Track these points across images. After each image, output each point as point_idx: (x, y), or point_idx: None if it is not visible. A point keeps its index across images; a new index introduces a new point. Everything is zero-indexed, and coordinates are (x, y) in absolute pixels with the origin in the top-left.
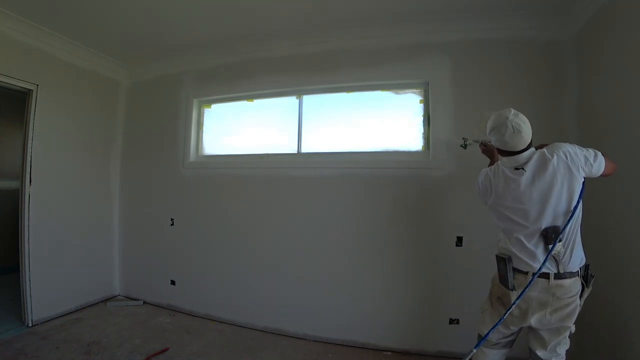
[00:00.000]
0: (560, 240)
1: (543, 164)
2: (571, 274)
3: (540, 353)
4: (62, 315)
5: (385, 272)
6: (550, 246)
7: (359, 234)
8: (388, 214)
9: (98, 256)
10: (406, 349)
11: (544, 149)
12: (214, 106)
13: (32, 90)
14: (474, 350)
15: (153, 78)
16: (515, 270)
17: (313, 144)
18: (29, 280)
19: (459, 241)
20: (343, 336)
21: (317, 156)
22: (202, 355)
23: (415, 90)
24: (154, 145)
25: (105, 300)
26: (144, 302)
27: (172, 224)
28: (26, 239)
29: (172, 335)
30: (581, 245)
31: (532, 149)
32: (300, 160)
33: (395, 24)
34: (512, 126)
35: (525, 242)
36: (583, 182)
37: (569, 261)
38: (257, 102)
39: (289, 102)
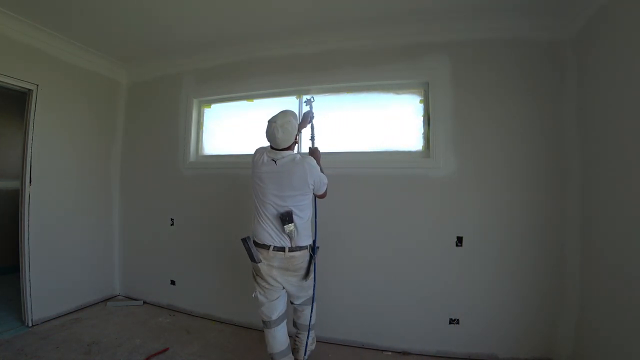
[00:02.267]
0: (292, 222)
1: (291, 164)
2: (300, 248)
3: (295, 303)
4: (62, 315)
5: (385, 272)
6: (285, 226)
7: (358, 233)
8: (388, 214)
9: (98, 256)
10: (406, 349)
11: (299, 155)
12: (214, 106)
13: (32, 90)
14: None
15: (153, 78)
16: (259, 245)
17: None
18: (29, 280)
19: (459, 241)
20: (343, 336)
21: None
22: (202, 355)
23: (415, 91)
24: (154, 145)
25: (105, 300)
26: (144, 302)
27: (172, 224)
28: (26, 239)
29: (172, 335)
30: (310, 228)
31: (291, 152)
32: None
33: (395, 24)
34: (272, 130)
35: (268, 223)
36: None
37: (299, 239)
38: (257, 102)
39: (289, 102)
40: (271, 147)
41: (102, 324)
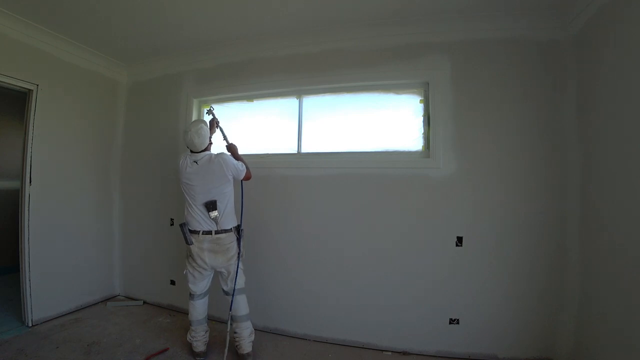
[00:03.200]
0: (215, 209)
1: (209, 162)
2: (225, 230)
3: (225, 287)
4: (62, 315)
5: (385, 272)
6: (209, 213)
7: (358, 233)
8: (388, 214)
9: (98, 256)
10: (406, 349)
11: (213, 154)
12: (214, 106)
13: (32, 90)
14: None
15: (153, 78)
16: (192, 231)
17: (313, 144)
18: (29, 280)
19: (459, 241)
20: (343, 336)
21: (317, 156)
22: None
23: (415, 91)
24: (154, 145)
25: (105, 300)
26: (144, 302)
27: (172, 224)
28: (26, 239)
29: (172, 335)
30: (234, 214)
31: (207, 152)
32: (300, 161)
33: (395, 24)
34: (190, 137)
35: (196, 210)
36: (241, 181)
37: (223, 222)
38: (257, 102)
39: (289, 102)
40: (191, 151)
41: (102, 324)
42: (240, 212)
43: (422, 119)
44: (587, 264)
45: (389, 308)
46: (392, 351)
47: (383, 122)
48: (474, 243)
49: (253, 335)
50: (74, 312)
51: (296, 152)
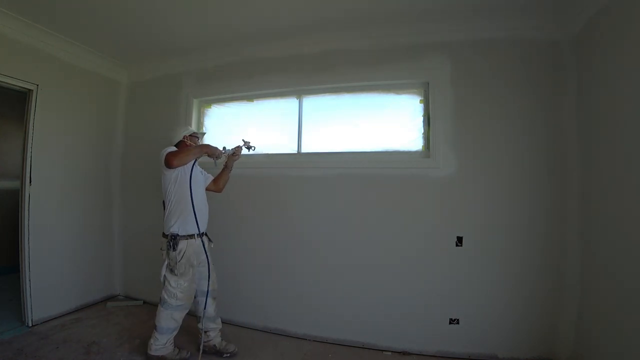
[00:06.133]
0: (164, 209)
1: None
2: (165, 235)
3: None
4: (62, 315)
5: (385, 272)
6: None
7: (359, 233)
8: (387, 214)
9: (98, 256)
10: (406, 349)
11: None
12: (214, 106)
13: (32, 90)
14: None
15: (153, 78)
16: None
17: (313, 144)
18: (29, 280)
19: (459, 241)
20: (343, 336)
21: (317, 156)
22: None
23: (415, 91)
24: (154, 145)
25: (105, 300)
26: (144, 302)
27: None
28: (26, 239)
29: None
30: (172, 220)
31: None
32: (300, 161)
33: (395, 24)
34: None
35: None
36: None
37: (164, 226)
38: (257, 102)
39: (289, 103)
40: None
41: (102, 324)
42: (193, 216)
43: (422, 119)
44: (587, 263)
45: (389, 308)
46: (392, 351)
47: (383, 122)
48: (474, 243)
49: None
50: (74, 312)
51: (296, 152)
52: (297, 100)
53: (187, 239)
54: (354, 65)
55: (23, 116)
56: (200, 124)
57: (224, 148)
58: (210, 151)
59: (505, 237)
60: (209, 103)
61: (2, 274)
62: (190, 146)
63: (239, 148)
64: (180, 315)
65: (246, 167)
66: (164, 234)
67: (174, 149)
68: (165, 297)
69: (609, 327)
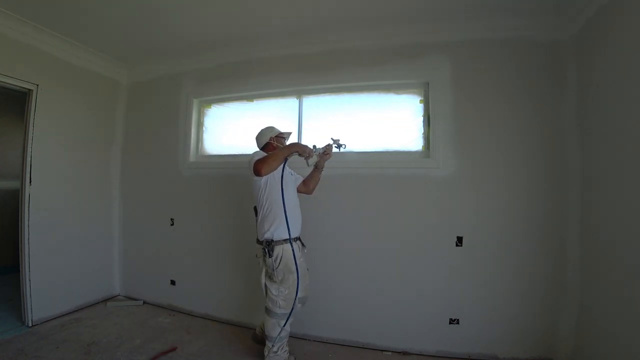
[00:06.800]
0: (256, 215)
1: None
2: (259, 242)
3: None
4: (62, 315)
5: (385, 272)
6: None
7: (359, 233)
8: (387, 214)
9: (98, 256)
10: (406, 349)
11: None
12: (214, 106)
13: (32, 90)
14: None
15: (153, 78)
16: None
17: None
18: (29, 280)
19: (459, 241)
20: (343, 336)
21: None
22: (202, 355)
23: (415, 91)
24: (154, 145)
25: (105, 300)
26: (144, 302)
27: (172, 224)
28: (26, 239)
29: (172, 336)
30: (266, 226)
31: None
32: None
33: (395, 24)
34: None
35: None
36: (271, 177)
37: (258, 232)
38: (257, 102)
39: (289, 102)
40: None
41: (102, 324)
42: (285, 221)
43: (422, 119)
44: (588, 263)
45: (389, 308)
46: (392, 351)
47: (383, 122)
48: (474, 243)
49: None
50: (74, 312)
51: None
52: (297, 100)
53: (282, 244)
54: (353, 65)
55: (23, 116)
56: (200, 123)
57: (314, 147)
58: (301, 150)
59: (505, 237)
60: (209, 103)
61: (2, 274)
62: (277, 149)
63: (329, 146)
64: (287, 322)
65: (243, 167)
66: (258, 240)
67: (262, 153)
68: (270, 305)
69: (609, 327)
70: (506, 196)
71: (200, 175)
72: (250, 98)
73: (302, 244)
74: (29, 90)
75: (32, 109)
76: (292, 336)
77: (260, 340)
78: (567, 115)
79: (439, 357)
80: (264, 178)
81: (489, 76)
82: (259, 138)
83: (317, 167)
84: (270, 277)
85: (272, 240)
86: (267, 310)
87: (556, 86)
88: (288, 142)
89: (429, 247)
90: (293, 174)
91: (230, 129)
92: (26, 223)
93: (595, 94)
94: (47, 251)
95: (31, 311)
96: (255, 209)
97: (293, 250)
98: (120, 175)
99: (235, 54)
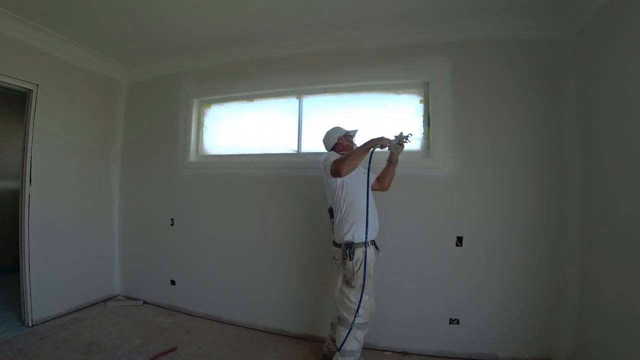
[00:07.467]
0: (332, 217)
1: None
2: (336, 244)
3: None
4: (62, 315)
5: (384, 272)
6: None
7: None
8: (387, 214)
9: (98, 256)
10: (406, 349)
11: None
12: (214, 106)
13: (32, 90)
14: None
15: (153, 78)
16: None
17: (313, 144)
18: (29, 280)
19: (459, 241)
20: None
21: (317, 156)
22: (202, 355)
23: (415, 91)
24: (154, 145)
25: (105, 300)
26: (144, 302)
27: (172, 224)
28: (26, 239)
29: (172, 336)
30: (345, 227)
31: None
32: (300, 160)
33: (395, 24)
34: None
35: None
36: (350, 179)
37: (335, 234)
38: (257, 102)
39: (289, 102)
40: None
41: (102, 324)
42: (365, 222)
43: (422, 119)
44: (588, 263)
45: (389, 308)
46: (392, 351)
47: (383, 122)
48: (474, 243)
49: None
50: (74, 312)
51: (296, 152)
52: (297, 100)
53: (362, 246)
54: (354, 65)
55: (23, 116)
56: (200, 123)
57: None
58: (379, 142)
59: (505, 237)
60: (209, 103)
61: (2, 274)
62: (354, 148)
63: (401, 137)
64: (362, 335)
65: (243, 167)
66: (334, 242)
67: (336, 155)
68: (345, 315)
69: (609, 327)
70: (506, 196)
71: (200, 175)
72: (250, 98)
73: (377, 248)
74: (29, 90)
75: (32, 109)
76: (293, 336)
77: (329, 358)
78: (567, 115)
79: (439, 357)
80: (339, 179)
81: (490, 76)
82: (326, 140)
83: (392, 162)
84: (348, 282)
85: (353, 243)
86: (341, 321)
87: (556, 86)
88: (355, 139)
89: (428, 247)
90: (366, 172)
91: (230, 129)
92: (26, 223)
93: (595, 93)
94: (47, 251)
95: (31, 311)
96: (331, 210)
97: (371, 253)
98: (120, 175)
99: (235, 54)
